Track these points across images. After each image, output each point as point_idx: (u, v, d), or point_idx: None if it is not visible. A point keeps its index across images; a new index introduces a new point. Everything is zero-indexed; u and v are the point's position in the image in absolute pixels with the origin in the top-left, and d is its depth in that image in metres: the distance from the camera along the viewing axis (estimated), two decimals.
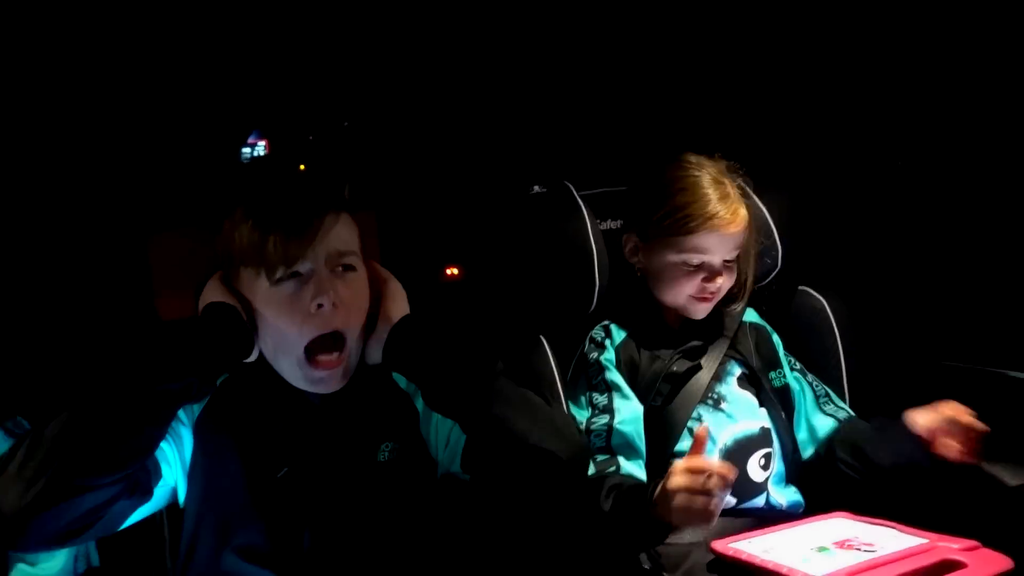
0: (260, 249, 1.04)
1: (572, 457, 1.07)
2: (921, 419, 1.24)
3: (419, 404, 1.18)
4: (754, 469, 1.34)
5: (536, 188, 1.49)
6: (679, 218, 1.33)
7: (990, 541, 1.12)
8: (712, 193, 1.34)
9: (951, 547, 1.10)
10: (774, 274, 1.51)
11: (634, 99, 1.98)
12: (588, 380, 1.37)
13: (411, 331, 1.09)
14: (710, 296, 1.37)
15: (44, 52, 1.74)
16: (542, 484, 1.06)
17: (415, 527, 1.14)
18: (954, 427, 1.22)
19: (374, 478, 1.13)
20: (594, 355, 1.38)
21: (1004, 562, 1.07)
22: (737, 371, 1.40)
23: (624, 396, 1.34)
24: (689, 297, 1.37)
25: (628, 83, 1.98)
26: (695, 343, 1.39)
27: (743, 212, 1.36)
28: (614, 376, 1.36)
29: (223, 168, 2.23)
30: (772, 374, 1.43)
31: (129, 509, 1.03)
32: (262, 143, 3.14)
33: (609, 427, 1.31)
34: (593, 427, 1.32)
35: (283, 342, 1.07)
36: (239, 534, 1.09)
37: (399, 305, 1.12)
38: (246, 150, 2.91)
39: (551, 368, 1.38)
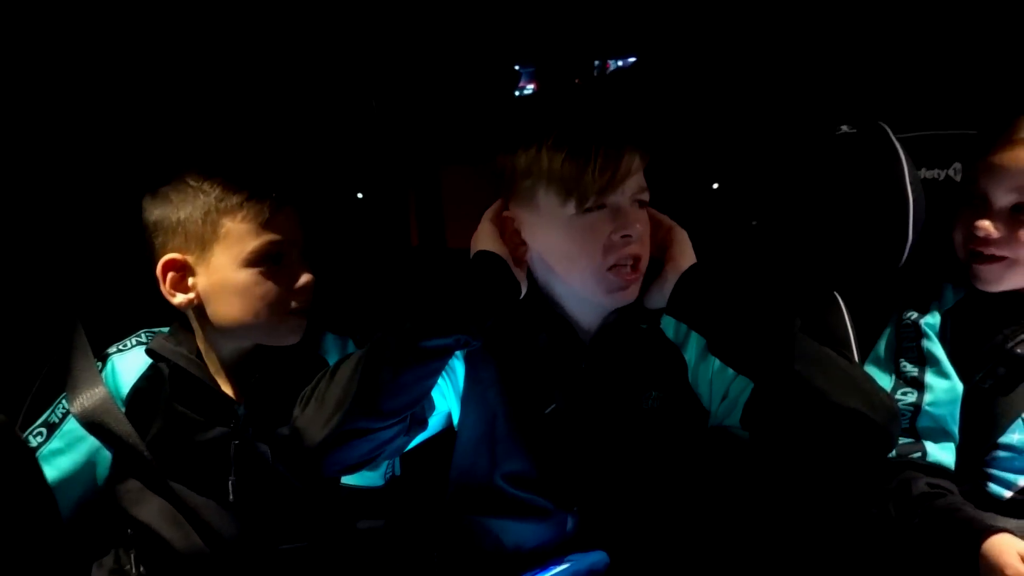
0: (575, 178, 1.04)
1: (883, 423, 0.98)
2: None
3: (688, 355, 1.16)
4: None
5: (844, 128, 1.33)
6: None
7: None
8: None
9: None
10: None
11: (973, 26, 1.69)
12: (899, 343, 1.22)
13: (700, 280, 1.06)
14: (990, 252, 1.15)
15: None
16: (843, 447, 0.99)
17: (680, 475, 1.14)
18: None
19: (639, 424, 1.14)
20: (912, 316, 1.23)
21: None
22: None
23: (941, 372, 1.18)
24: (967, 255, 1.17)
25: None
26: None
27: None
28: (933, 346, 1.20)
29: (501, 105, 2.27)
30: None
31: (408, 440, 1.10)
32: (531, 85, 3.20)
33: (916, 406, 1.17)
34: (896, 402, 1.17)
35: (579, 266, 1.08)
36: (508, 462, 1.15)
37: (686, 253, 1.09)
38: (517, 93, 2.99)
39: (846, 329, 1.27)
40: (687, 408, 1.16)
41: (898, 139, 1.30)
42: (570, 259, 1.09)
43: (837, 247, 1.33)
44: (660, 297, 1.09)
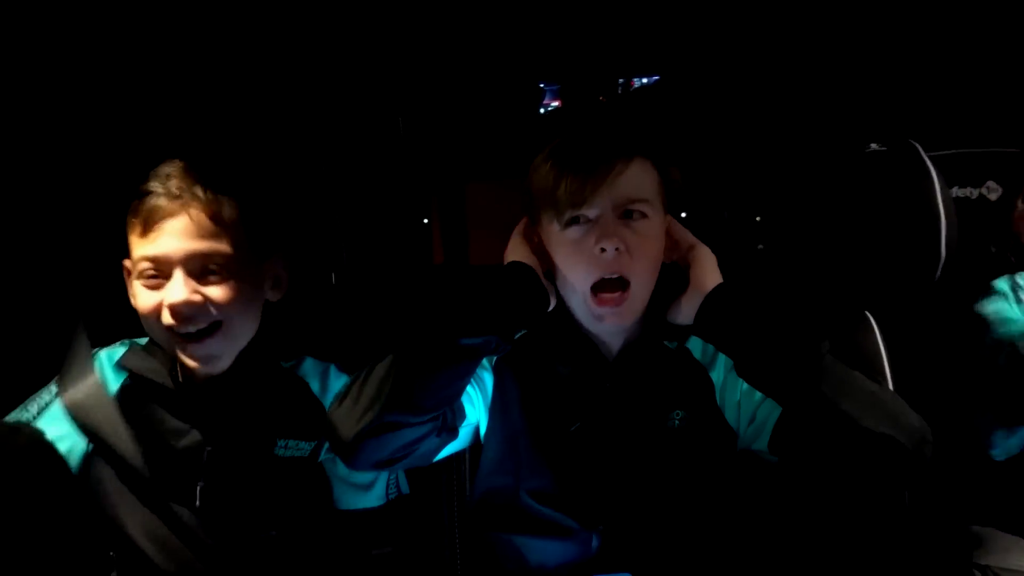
0: (553, 191, 1.07)
1: (913, 447, 0.96)
2: None
3: (715, 376, 1.15)
4: None
5: (874, 146, 1.32)
6: None
7: None
8: None
9: None
10: None
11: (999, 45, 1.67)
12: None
13: (726, 300, 1.05)
14: None
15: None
16: (872, 472, 0.97)
17: (706, 497, 1.12)
18: None
19: (663, 443, 1.13)
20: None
21: None
22: None
23: None
24: None
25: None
26: None
27: None
28: None
29: (525, 121, 2.29)
30: None
31: (439, 445, 1.10)
32: (556, 103, 3.22)
33: None
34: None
35: (570, 284, 1.10)
36: (532, 478, 1.14)
37: (711, 272, 1.08)
38: (542, 111, 3.01)
39: (878, 349, 1.24)
40: (713, 429, 1.14)
41: (929, 157, 1.28)
42: (564, 277, 1.10)
43: (869, 266, 1.30)
44: (685, 316, 1.08)
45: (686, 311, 1.07)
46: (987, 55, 1.69)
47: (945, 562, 1.14)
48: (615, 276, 1.07)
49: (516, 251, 1.12)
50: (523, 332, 1.20)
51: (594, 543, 1.12)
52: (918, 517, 1.15)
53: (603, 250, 1.05)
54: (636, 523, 1.11)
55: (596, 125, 1.13)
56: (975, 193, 1.32)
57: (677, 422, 1.13)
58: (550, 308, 1.11)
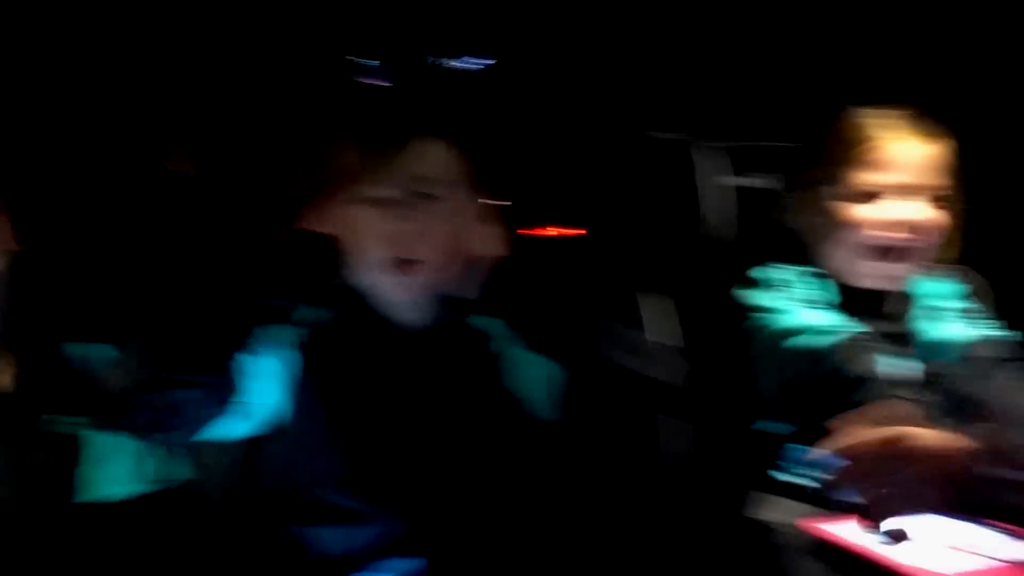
0: (349, 167, 1.08)
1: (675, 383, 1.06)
2: None
3: (502, 349, 1.19)
4: None
5: (657, 136, 1.42)
6: (848, 139, 1.22)
7: None
8: (891, 118, 1.23)
9: None
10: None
11: (784, 43, 1.83)
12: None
13: (506, 271, 1.11)
14: (898, 243, 1.19)
15: None
16: (644, 413, 1.07)
17: (503, 471, 1.16)
18: None
19: (461, 420, 1.15)
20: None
21: None
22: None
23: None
24: (870, 250, 1.21)
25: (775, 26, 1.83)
26: (896, 328, 1.24)
27: (935, 141, 1.21)
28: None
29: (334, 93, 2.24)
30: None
31: (221, 417, 1.06)
32: (374, 80, 3.16)
33: None
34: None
35: (364, 262, 1.11)
36: (334, 462, 1.12)
37: (495, 245, 1.14)
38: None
39: (671, 322, 1.33)
40: (506, 402, 1.17)
41: (716, 147, 1.38)
42: (358, 255, 1.11)
43: (658, 245, 1.40)
44: (471, 287, 1.12)
45: (473, 283, 1.11)
46: (778, 50, 1.84)
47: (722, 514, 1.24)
48: (409, 257, 1.08)
49: (315, 218, 1.12)
50: (321, 315, 1.17)
51: (397, 529, 1.11)
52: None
53: (398, 231, 1.07)
54: (435, 505, 1.12)
55: (397, 102, 1.14)
56: (762, 182, 1.43)
57: (473, 397, 1.16)
58: (345, 282, 1.11)
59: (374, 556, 1.10)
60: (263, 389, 1.11)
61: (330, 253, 1.11)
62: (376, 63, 2.58)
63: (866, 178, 1.21)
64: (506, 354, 1.19)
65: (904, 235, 1.19)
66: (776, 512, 1.21)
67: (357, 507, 1.11)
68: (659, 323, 1.35)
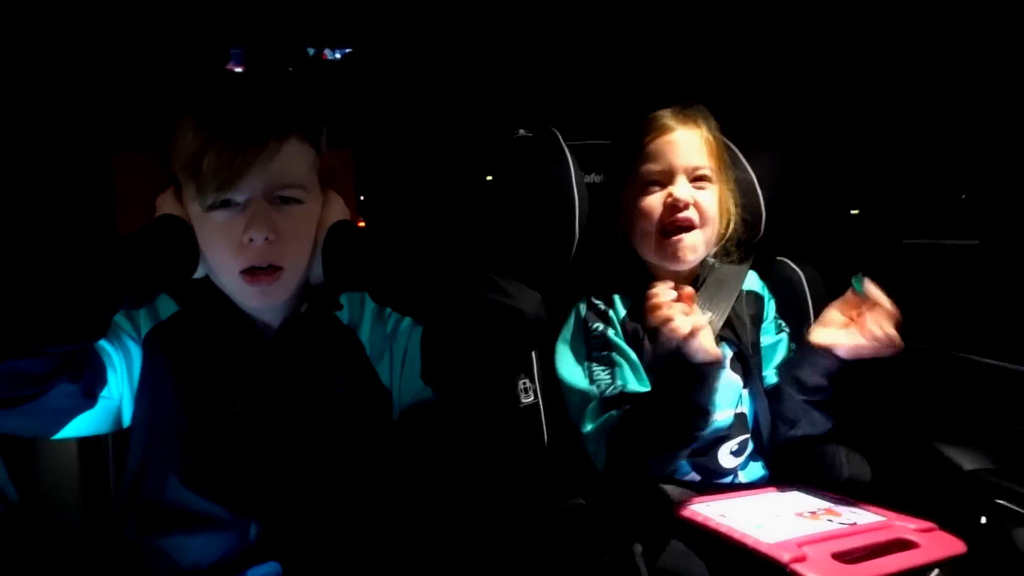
0: (198, 167, 0.99)
1: (533, 315, 1.03)
2: (819, 336, 1.21)
3: (363, 337, 1.17)
4: (725, 456, 1.31)
5: (521, 132, 1.43)
6: (639, 141, 1.32)
7: (947, 523, 1.13)
8: (668, 112, 1.33)
9: (907, 527, 1.10)
10: (755, 240, 1.48)
11: (630, 54, 1.93)
12: (588, 351, 1.31)
13: (345, 234, 1.06)
14: (681, 222, 1.29)
15: None
16: (504, 340, 1.03)
17: (370, 460, 1.13)
18: (860, 318, 1.18)
19: (328, 412, 1.12)
20: (599, 327, 1.31)
21: (957, 545, 1.07)
22: (729, 353, 1.33)
23: (630, 373, 1.28)
24: (659, 234, 1.30)
25: (625, 37, 1.93)
26: None
27: (703, 131, 1.33)
28: (620, 356, 1.29)
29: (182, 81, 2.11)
30: (760, 340, 1.38)
31: (67, 402, 0.99)
32: (239, 69, 3.01)
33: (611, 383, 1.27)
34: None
35: (218, 266, 1.05)
36: (188, 464, 1.06)
37: (335, 212, 1.09)
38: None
39: None
40: (371, 391, 1.16)
41: (567, 144, 1.42)
42: (210, 259, 1.05)
43: (513, 242, 1.42)
44: (318, 265, 1.07)
45: (319, 258, 1.07)
46: (620, 54, 1.93)
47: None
48: (265, 264, 1.03)
49: (169, 204, 1.04)
50: (177, 308, 1.12)
51: (252, 532, 1.07)
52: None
53: (251, 240, 1.00)
54: (296, 508, 1.08)
55: (251, 95, 1.05)
56: (599, 179, 1.48)
57: (340, 388, 1.12)
58: (196, 273, 1.05)
59: (232, 565, 1.05)
60: (116, 381, 1.06)
61: (188, 246, 1.03)
62: (236, 52, 2.48)
63: (644, 169, 1.32)
64: (359, 343, 1.17)
65: (682, 217, 1.29)
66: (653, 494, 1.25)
67: (208, 510, 1.06)
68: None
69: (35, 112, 1.73)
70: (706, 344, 1.12)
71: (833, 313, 1.21)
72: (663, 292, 1.13)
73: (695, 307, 1.14)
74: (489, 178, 1.55)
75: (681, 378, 1.14)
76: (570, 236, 1.38)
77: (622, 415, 1.21)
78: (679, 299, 1.12)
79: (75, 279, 0.92)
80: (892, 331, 1.14)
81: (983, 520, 1.39)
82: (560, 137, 1.42)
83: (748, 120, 1.47)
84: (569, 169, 1.38)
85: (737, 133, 1.44)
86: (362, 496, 1.12)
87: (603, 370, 1.28)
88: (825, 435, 1.32)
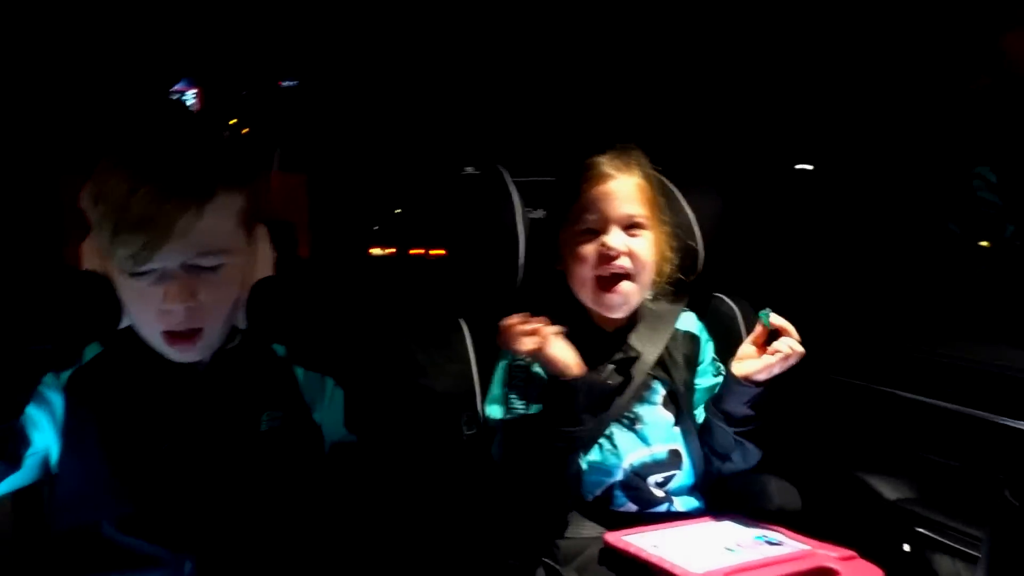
0: (113, 231, 0.95)
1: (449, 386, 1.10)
2: (738, 369, 1.29)
3: (298, 371, 1.16)
4: (654, 486, 1.34)
5: (469, 170, 1.48)
6: (576, 186, 1.36)
7: (870, 552, 1.18)
8: (604, 158, 1.37)
9: (829, 555, 1.15)
10: (692, 278, 1.53)
11: (575, 96, 2.00)
12: (510, 379, 1.35)
13: (269, 292, 1.04)
14: (616, 271, 1.32)
15: None
16: (426, 424, 1.09)
17: (300, 496, 1.13)
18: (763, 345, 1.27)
19: (256, 448, 1.11)
20: (523, 360, 1.34)
21: (875, 573, 1.13)
22: (661, 391, 1.38)
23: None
24: (595, 281, 1.34)
25: (572, 80, 2.00)
26: (631, 353, 1.36)
27: (637, 179, 1.36)
28: (539, 387, 1.32)
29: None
30: (695, 382, 1.43)
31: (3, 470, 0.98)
32: (193, 91, 2.98)
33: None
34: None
35: (139, 324, 1.04)
36: (118, 507, 1.05)
37: (260, 270, 1.07)
38: (173, 98, 2.77)
39: (467, 352, 1.39)
40: (303, 425, 1.16)
41: (513, 181, 1.46)
42: (131, 315, 1.03)
43: (460, 274, 1.46)
44: (243, 315, 1.06)
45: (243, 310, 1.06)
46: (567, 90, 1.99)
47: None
48: (184, 329, 1.02)
49: (91, 259, 1.02)
50: (99, 350, 1.10)
51: (187, 569, 1.06)
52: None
53: (170, 309, 0.99)
54: (230, 542, 1.07)
55: (173, 153, 0.98)
56: (542, 213, 1.51)
57: (269, 423, 1.12)
58: (122, 322, 1.03)
59: None
60: (46, 437, 1.04)
61: (110, 307, 1.00)
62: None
63: (580, 217, 1.34)
64: (294, 377, 1.16)
65: (616, 265, 1.32)
66: (581, 527, 1.29)
67: (142, 549, 1.05)
68: (450, 344, 1.40)
69: None
70: (555, 355, 1.22)
71: (746, 346, 1.30)
72: (513, 318, 1.21)
73: (545, 325, 1.22)
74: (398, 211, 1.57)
75: (551, 391, 1.25)
76: (513, 271, 1.42)
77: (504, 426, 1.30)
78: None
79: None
80: (799, 347, 1.24)
81: (906, 548, 1.46)
82: (506, 175, 1.46)
83: (685, 158, 1.53)
84: (513, 206, 1.42)
85: (675, 172, 1.50)
86: (294, 528, 1.12)
87: (518, 399, 1.34)
88: (755, 467, 1.38)
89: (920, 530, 1.44)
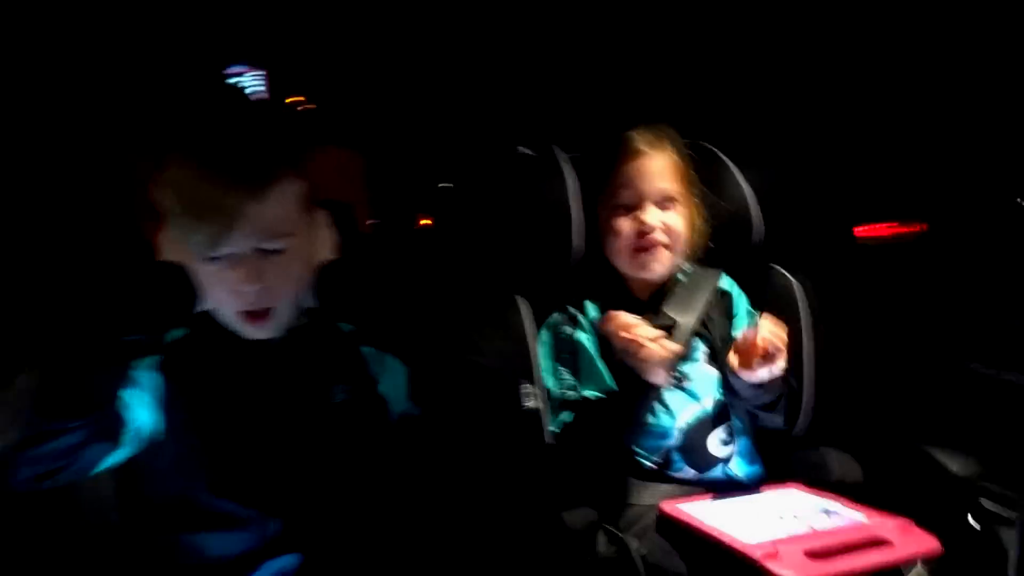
0: (190, 221, 1.04)
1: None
2: (733, 361, 1.29)
3: (365, 350, 1.24)
4: (714, 445, 1.37)
5: (522, 149, 1.50)
6: (611, 163, 1.41)
7: (932, 524, 1.16)
8: (637, 134, 1.41)
9: (885, 524, 1.15)
10: (751, 249, 1.53)
11: (632, 74, 1.99)
12: (557, 352, 1.41)
13: (334, 274, 1.14)
14: (649, 245, 1.39)
15: None
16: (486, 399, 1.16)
17: (371, 466, 1.20)
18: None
19: (329, 420, 1.19)
20: (567, 331, 1.42)
21: (931, 543, 1.11)
22: (703, 348, 1.42)
23: (590, 376, 1.38)
24: (631, 251, 1.40)
25: (629, 58, 1.99)
26: (666, 321, 1.40)
27: (670, 154, 1.41)
28: (583, 359, 1.39)
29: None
30: (734, 335, 1.43)
31: (101, 454, 1.05)
32: (259, 73, 3.00)
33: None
34: (564, 396, 1.39)
35: (216, 305, 1.12)
36: (212, 474, 1.13)
37: (323, 252, 1.16)
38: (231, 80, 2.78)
39: (522, 327, 1.41)
40: (372, 399, 1.23)
41: (570, 157, 1.48)
42: (208, 298, 1.10)
43: (514, 252, 1.49)
44: (309, 295, 1.15)
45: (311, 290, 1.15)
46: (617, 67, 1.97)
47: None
48: (258, 308, 1.11)
49: (167, 249, 1.09)
50: (181, 334, 1.18)
51: (271, 529, 1.14)
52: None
53: (242, 289, 1.08)
54: (311, 503, 1.15)
55: (238, 141, 1.06)
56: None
57: (341, 396, 1.20)
58: (197, 309, 1.11)
59: (252, 557, 1.13)
60: (139, 415, 1.12)
61: (188, 295, 1.07)
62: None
63: (616, 193, 1.41)
64: (360, 353, 1.24)
65: (651, 238, 1.39)
66: (641, 495, 1.33)
67: (232, 511, 1.14)
68: (507, 322, 1.43)
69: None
70: (661, 368, 1.28)
71: (739, 341, 1.29)
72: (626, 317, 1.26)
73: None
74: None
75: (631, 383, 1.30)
76: (567, 247, 1.43)
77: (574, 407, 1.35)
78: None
79: (81, 357, 0.97)
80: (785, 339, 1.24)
81: (971, 520, 1.44)
82: (559, 152, 1.48)
83: (742, 132, 1.52)
84: (565, 181, 1.44)
85: (731, 145, 1.49)
86: (368, 492, 1.19)
87: (566, 371, 1.39)
88: (816, 439, 1.38)
89: (986, 503, 1.42)
